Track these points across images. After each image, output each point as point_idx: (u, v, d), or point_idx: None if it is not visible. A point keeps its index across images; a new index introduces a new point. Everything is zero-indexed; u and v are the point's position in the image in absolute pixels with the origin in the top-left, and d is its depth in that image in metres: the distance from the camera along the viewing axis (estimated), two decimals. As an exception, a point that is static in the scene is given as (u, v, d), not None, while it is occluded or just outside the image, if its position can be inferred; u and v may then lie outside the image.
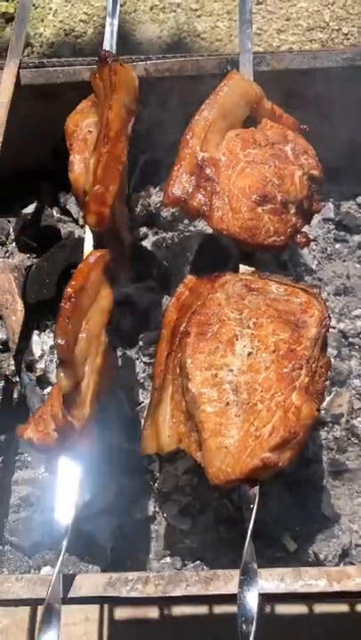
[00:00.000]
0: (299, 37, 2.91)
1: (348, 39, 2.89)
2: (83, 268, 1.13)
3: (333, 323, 1.56)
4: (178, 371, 1.18)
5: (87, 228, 1.26)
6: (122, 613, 1.70)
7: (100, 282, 1.14)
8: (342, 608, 1.65)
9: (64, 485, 1.07)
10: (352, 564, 1.31)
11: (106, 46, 1.42)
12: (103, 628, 1.74)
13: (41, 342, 1.54)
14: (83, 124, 1.32)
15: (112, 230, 1.28)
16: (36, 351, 1.53)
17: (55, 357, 1.49)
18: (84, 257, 1.20)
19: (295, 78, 1.57)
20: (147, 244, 1.65)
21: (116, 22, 1.45)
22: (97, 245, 1.24)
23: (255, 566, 1.00)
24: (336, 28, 2.91)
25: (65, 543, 1.02)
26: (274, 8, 2.94)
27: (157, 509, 1.38)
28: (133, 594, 1.00)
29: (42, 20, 2.97)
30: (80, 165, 1.27)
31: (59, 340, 1.03)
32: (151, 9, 2.97)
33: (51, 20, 2.97)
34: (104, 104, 1.25)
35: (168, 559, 1.34)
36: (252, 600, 0.96)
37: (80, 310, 1.09)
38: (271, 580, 1.01)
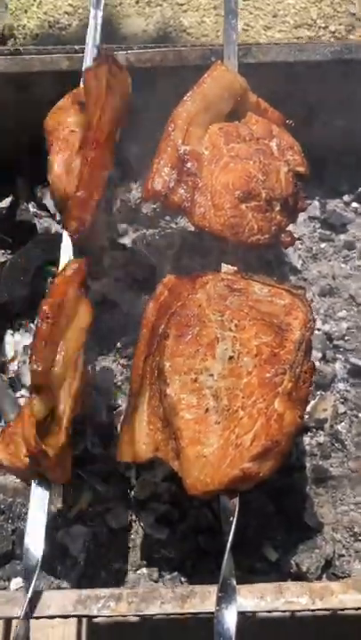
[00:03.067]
0: (286, 34, 2.87)
1: (336, 37, 2.85)
2: (59, 283, 1.07)
3: (318, 324, 1.52)
4: (156, 374, 1.12)
5: (65, 234, 1.20)
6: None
7: (78, 297, 1.08)
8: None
9: (35, 514, 1.01)
10: (335, 575, 1.27)
11: (89, 39, 1.36)
12: (82, 630, 1.71)
13: (14, 342, 1.48)
14: (64, 122, 1.26)
15: (92, 237, 1.22)
16: (9, 352, 1.47)
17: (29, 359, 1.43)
18: (61, 268, 1.14)
19: (281, 71, 1.51)
20: (126, 240, 1.59)
21: (100, 14, 1.39)
22: (75, 252, 1.18)
23: (234, 583, 0.95)
24: (323, 25, 2.88)
25: (35, 578, 0.97)
26: (261, 4, 2.89)
27: (134, 518, 1.32)
28: (105, 612, 0.95)
29: (25, 12, 2.90)
30: (60, 166, 1.21)
31: (34, 366, 0.97)
32: (137, 2, 2.92)
33: (35, 11, 2.90)
34: (95, 106, 1.19)
35: (145, 570, 1.29)
36: (230, 619, 0.91)
37: (58, 330, 1.03)
38: (251, 598, 0.96)
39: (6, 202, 1.62)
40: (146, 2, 2.95)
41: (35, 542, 1.00)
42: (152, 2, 2.94)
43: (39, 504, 1.03)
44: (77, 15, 2.88)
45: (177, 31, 2.90)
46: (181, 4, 2.94)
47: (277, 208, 1.23)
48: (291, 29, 2.90)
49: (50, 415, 1.00)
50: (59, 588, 1.21)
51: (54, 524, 1.29)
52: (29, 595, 0.95)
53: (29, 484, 1.05)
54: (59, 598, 0.97)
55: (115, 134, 1.24)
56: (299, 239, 1.63)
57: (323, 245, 1.63)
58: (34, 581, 0.97)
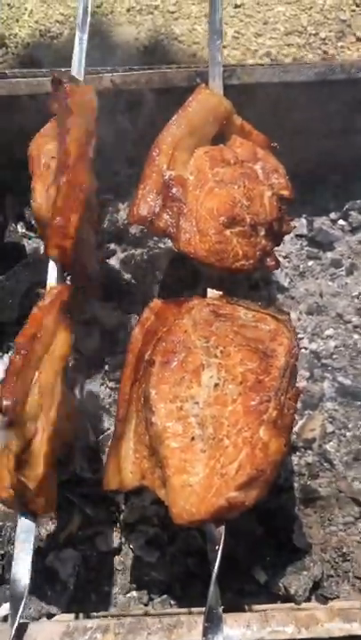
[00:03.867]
0: (276, 41, 2.87)
1: (326, 44, 2.85)
2: (36, 312, 1.07)
3: (305, 343, 1.53)
4: (142, 401, 1.13)
5: (50, 260, 1.20)
6: None
7: (55, 325, 1.08)
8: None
9: (22, 545, 1.02)
10: (323, 596, 1.27)
11: (75, 62, 1.36)
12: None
13: (2, 364, 1.48)
14: (45, 148, 1.25)
15: (77, 260, 1.22)
16: (-2, 375, 1.47)
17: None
18: (45, 293, 1.15)
19: (266, 92, 1.51)
20: (114, 261, 1.59)
21: (85, 37, 1.38)
22: (61, 276, 1.18)
23: (220, 612, 0.96)
24: (313, 32, 2.88)
25: (21, 609, 0.97)
26: (252, 12, 2.89)
27: (123, 541, 1.33)
28: (92, 644, 0.95)
29: (17, 21, 2.89)
30: (42, 194, 1.21)
31: (5, 402, 0.97)
32: (128, 11, 2.91)
33: (26, 20, 2.89)
34: (62, 128, 1.20)
35: (134, 593, 1.30)
36: (216, 649, 0.91)
37: (32, 361, 1.03)
38: (237, 627, 0.97)
39: (-6, 223, 1.63)
40: (137, 10, 2.94)
41: (21, 572, 1.00)
42: (143, 10, 2.94)
43: (25, 534, 1.03)
44: (69, 24, 2.87)
45: (168, 39, 2.89)
46: (172, 12, 2.93)
47: (262, 233, 1.23)
48: (281, 36, 2.89)
49: (28, 450, 1.00)
50: (48, 614, 1.21)
51: (45, 548, 1.30)
52: (15, 626, 0.96)
53: (17, 513, 1.05)
54: (46, 630, 0.98)
55: (86, 151, 1.23)
56: (286, 257, 1.64)
57: (310, 263, 1.64)
58: (20, 612, 0.97)
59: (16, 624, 0.95)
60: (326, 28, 2.88)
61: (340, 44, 2.90)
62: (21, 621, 0.97)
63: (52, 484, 1.04)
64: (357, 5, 2.90)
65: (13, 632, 0.95)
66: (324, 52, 2.83)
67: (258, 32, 2.86)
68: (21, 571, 1.00)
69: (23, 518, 1.03)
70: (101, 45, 2.66)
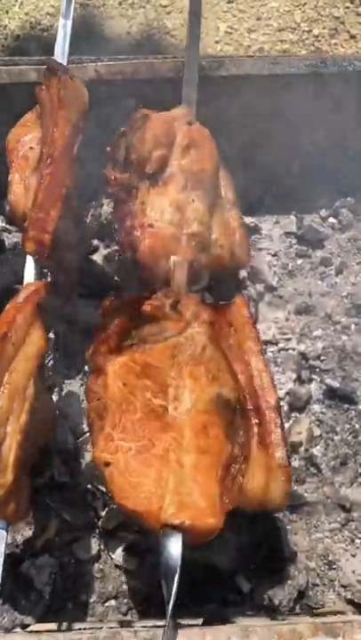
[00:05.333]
0: (269, 37, 2.83)
1: (319, 41, 2.82)
2: (9, 309, 1.03)
3: (293, 344, 1.48)
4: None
5: (28, 255, 1.15)
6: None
7: (29, 323, 1.03)
8: None
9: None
10: (308, 606, 1.23)
11: (57, 50, 1.31)
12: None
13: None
14: (25, 139, 1.21)
15: (55, 256, 1.17)
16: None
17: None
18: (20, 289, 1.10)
19: (255, 84, 1.47)
20: (97, 257, 1.54)
21: (69, 23, 1.34)
22: (39, 272, 1.14)
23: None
24: (307, 29, 2.84)
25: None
26: (245, 7, 2.85)
27: (102, 547, 1.28)
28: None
29: (7, 12, 2.84)
30: (19, 186, 1.17)
31: None
32: (120, 4, 2.87)
33: (16, 12, 2.84)
34: (49, 120, 1.15)
35: (113, 602, 1.25)
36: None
37: (2, 361, 0.98)
38: (216, 643, 0.92)
39: (-27, 216, 1.58)
40: (129, 3, 2.90)
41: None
42: (135, 3, 2.89)
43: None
44: (59, 16, 2.83)
45: (160, 33, 2.85)
46: (165, 6, 2.89)
47: None
48: (275, 32, 2.86)
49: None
50: (22, 624, 1.17)
51: (20, 555, 1.25)
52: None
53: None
54: (16, 644, 0.93)
55: (72, 146, 1.19)
56: (275, 255, 1.60)
57: (299, 262, 1.60)
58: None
59: (-17, 637, 0.91)
60: (320, 25, 2.85)
61: (333, 41, 2.87)
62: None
63: (23, 490, 0.99)
64: (351, 2, 2.87)
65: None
66: (317, 49, 2.80)
67: (251, 27, 2.82)
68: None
69: (-10, 527, 0.99)
70: (92, 38, 2.61)
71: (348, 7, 2.89)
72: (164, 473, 1.04)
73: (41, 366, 1.05)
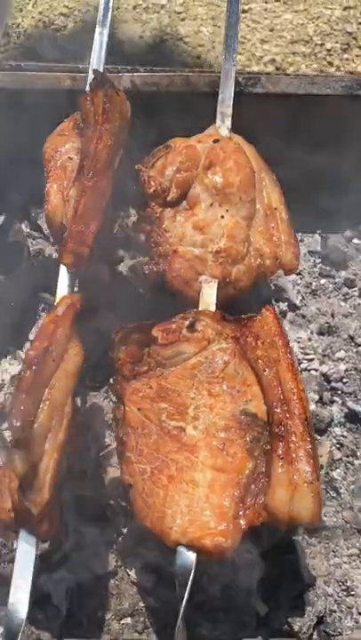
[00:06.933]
0: (282, 49, 2.83)
1: (331, 55, 2.82)
2: (48, 324, 1.01)
3: (316, 365, 1.48)
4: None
5: (62, 266, 1.13)
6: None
7: (67, 338, 1.02)
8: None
9: (21, 572, 0.96)
10: (326, 632, 1.22)
11: (94, 58, 1.30)
12: None
13: (1, 371, 1.41)
14: (62, 148, 1.20)
15: (91, 269, 1.16)
16: (-4, 381, 1.40)
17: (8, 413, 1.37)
18: (56, 303, 1.08)
19: (290, 102, 1.47)
20: (122, 268, 1.53)
21: (106, 32, 1.33)
22: (72, 283, 1.12)
23: None
24: (319, 42, 2.84)
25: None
26: (259, 17, 2.85)
27: (120, 564, 1.27)
28: None
29: (20, 10, 2.82)
30: (57, 196, 1.15)
31: (13, 421, 0.91)
32: (134, 8, 2.85)
33: (30, 10, 2.82)
34: (93, 132, 1.14)
35: (129, 620, 1.24)
36: None
37: (43, 377, 0.97)
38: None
39: (-1, 220, 1.56)
40: (143, 8, 2.89)
41: (20, 601, 0.94)
42: (149, 8, 2.88)
43: (25, 560, 0.97)
44: (73, 17, 2.81)
45: (173, 39, 2.84)
46: (179, 13, 2.88)
47: None
48: (287, 44, 2.86)
49: (33, 473, 0.93)
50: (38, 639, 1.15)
51: (37, 569, 1.23)
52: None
53: (16, 537, 0.99)
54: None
55: (114, 161, 1.18)
56: (298, 274, 1.59)
57: (323, 281, 1.59)
58: (17, 644, 0.91)
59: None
60: (332, 39, 2.85)
61: (345, 55, 2.87)
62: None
63: (55, 508, 0.98)
64: (364, 18, 2.87)
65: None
66: (329, 64, 2.80)
67: (264, 38, 2.82)
68: (20, 600, 0.94)
69: (23, 543, 0.97)
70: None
71: (361, 23, 2.89)
72: (176, 493, 1.03)
73: (75, 384, 1.04)
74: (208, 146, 1.29)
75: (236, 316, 1.18)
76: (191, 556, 0.99)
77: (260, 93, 1.45)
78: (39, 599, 1.21)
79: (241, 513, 1.02)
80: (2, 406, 1.36)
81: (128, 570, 1.26)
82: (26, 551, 0.97)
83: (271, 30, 2.83)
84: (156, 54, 2.72)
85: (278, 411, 1.06)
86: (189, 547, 0.99)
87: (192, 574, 0.99)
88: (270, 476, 1.02)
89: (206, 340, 1.15)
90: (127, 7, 2.83)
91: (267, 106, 1.46)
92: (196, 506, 1.02)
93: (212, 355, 1.14)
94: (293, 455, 1.02)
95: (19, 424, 0.90)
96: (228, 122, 1.34)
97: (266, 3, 2.82)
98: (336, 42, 2.85)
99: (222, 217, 1.26)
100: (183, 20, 2.82)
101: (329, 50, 2.84)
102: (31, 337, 1.46)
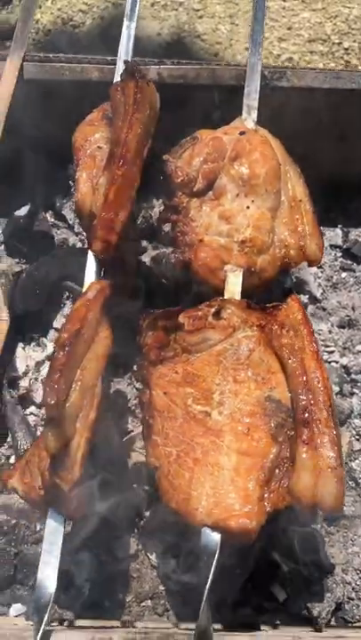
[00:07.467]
0: (299, 48, 2.84)
1: (349, 54, 2.83)
2: (80, 307, 1.03)
3: (336, 357, 1.49)
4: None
5: (90, 253, 1.15)
6: None
7: (98, 321, 1.04)
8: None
9: (50, 548, 0.98)
10: (344, 619, 1.24)
11: (122, 51, 1.32)
12: None
13: (26, 357, 1.44)
14: (92, 138, 1.22)
15: (118, 257, 1.18)
16: (20, 367, 1.42)
17: (41, 375, 1.39)
18: (85, 289, 1.10)
19: (315, 96, 1.48)
20: (145, 258, 1.55)
21: (133, 25, 1.35)
22: (99, 271, 1.14)
23: (211, 631, 0.93)
24: (337, 41, 2.85)
25: (47, 616, 0.93)
26: (277, 16, 2.86)
27: (141, 547, 1.29)
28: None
29: (39, 7, 2.84)
30: (87, 184, 1.17)
31: (48, 399, 0.93)
32: (152, 5, 2.87)
33: (49, 6, 2.85)
34: (123, 121, 1.16)
35: (149, 602, 1.26)
36: None
37: (75, 358, 0.99)
38: (270, 650, 0.93)
39: (24, 210, 1.57)
40: (162, 5, 2.90)
41: (48, 577, 0.97)
42: (168, 6, 2.90)
43: (53, 537, 0.99)
44: (91, 14, 2.83)
45: (191, 37, 2.86)
46: (197, 10, 2.89)
47: None
48: (305, 43, 2.87)
49: (65, 451, 0.95)
50: (61, 619, 1.17)
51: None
52: (39, 636, 0.91)
53: (45, 515, 1.01)
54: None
55: (143, 151, 1.20)
56: (320, 267, 1.60)
57: (343, 275, 1.60)
58: (45, 620, 0.93)
59: (40, 632, 0.91)
60: (350, 38, 2.85)
61: (362, 54, 2.88)
62: (46, 629, 0.93)
63: (84, 487, 1.00)
64: (383, 18, 2.88)
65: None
66: (347, 62, 2.80)
67: (281, 37, 2.83)
68: (48, 576, 0.96)
69: (52, 521, 0.99)
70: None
71: (379, 22, 2.89)
72: (201, 476, 1.05)
73: (105, 366, 1.06)
74: (234, 138, 1.30)
75: (262, 305, 1.20)
76: (216, 537, 1.01)
77: (286, 87, 1.46)
78: (62, 580, 1.23)
79: (266, 496, 1.04)
80: (27, 391, 1.38)
81: (149, 554, 1.28)
82: (54, 528, 0.99)
83: (289, 29, 2.84)
84: (173, 52, 2.73)
85: (303, 398, 1.08)
86: (214, 528, 1.01)
87: (216, 555, 1.00)
88: (295, 461, 1.04)
89: (232, 327, 1.16)
90: (145, 4, 2.84)
91: (292, 99, 1.47)
92: (222, 488, 1.03)
93: (238, 342, 1.16)
94: (318, 441, 1.04)
95: (53, 402, 0.92)
96: (255, 114, 1.35)
97: (284, 1, 2.83)
98: (354, 41, 2.85)
99: (248, 207, 1.27)
100: (201, 17, 2.83)
101: (347, 49, 2.85)
102: (55, 325, 1.49)
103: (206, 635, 0.95)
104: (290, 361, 1.12)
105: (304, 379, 1.09)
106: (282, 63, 2.76)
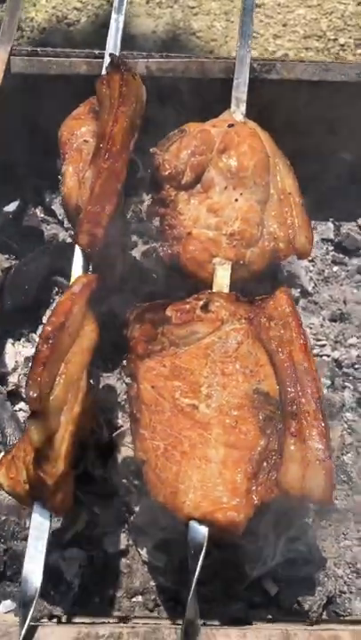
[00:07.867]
0: (295, 44, 2.84)
1: (344, 50, 2.82)
2: (65, 300, 1.02)
3: (328, 351, 1.48)
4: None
5: (77, 247, 1.15)
6: None
7: (83, 315, 1.03)
8: None
9: (35, 543, 0.97)
10: (336, 613, 1.23)
11: (110, 43, 1.31)
12: None
13: (15, 352, 1.43)
14: (78, 131, 1.21)
15: (103, 250, 1.17)
16: (9, 362, 1.41)
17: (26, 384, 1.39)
18: (70, 283, 1.09)
19: (305, 89, 1.47)
20: (135, 253, 1.54)
21: (121, 19, 1.34)
22: (86, 265, 1.14)
23: (198, 625, 0.92)
24: (333, 37, 2.85)
25: (32, 611, 0.93)
26: (272, 12, 2.86)
27: (131, 543, 1.28)
28: (104, 652, 0.91)
29: (34, 5, 2.84)
30: (73, 178, 1.17)
31: (30, 392, 0.92)
32: (147, 2, 2.87)
33: (43, 4, 2.84)
34: (108, 115, 1.15)
35: (140, 598, 1.25)
36: None
37: (59, 351, 0.98)
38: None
39: (13, 205, 1.57)
40: (157, 2, 2.90)
41: (33, 572, 0.96)
42: (163, 3, 2.89)
43: (39, 532, 0.98)
44: (86, 12, 2.83)
45: (186, 34, 2.85)
46: (192, 7, 2.89)
47: None
48: (300, 39, 2.86)
49: (49, 444, 0.95)
50: (50, 615, 1.16)
51: (50, 546, 1.24)
52: (24, 630, 0.91)
53: (31, 509, 1.00)
54: (55, 634, 0.93)
55: (129, 144, 1.19)
56: (311, 261, 1.60)
57: (335, 269, 1.60)
58: (30, 614, 0.92)
59: (25, 627, 0.90)
60: (346, 35, 2.85)
61: (358, 51, 2.87)
62: (31, 624, 0.92)
63: (69, 481, 0.99)
64: (379, 13, 2.87)
65: (23, 634, 0.90)
66: (342, 59, 2.80)
67: (277, 33, 2.82)
68: (33, 570, 0.95)
69: (37, 515, 0.99)
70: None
71: (375, 18, 2.89)
72: (189, 469, 1.04)
73: (90, 360, 1.05)
74: (223, 130, 1.30)
75: (250, 297, 1.19)
76: (203, 530, 1.00)
77: (275, 79, 1.45)
78: (52, 576, 1.22)
79: (253, 488, 1.03)
80: (16, 387, 1.38)
81: (139, 549, 1.27)
82: (40, 523, 0.98)
83: (284, 25, 2.84)
84: (168, 49, 2.73)
85: (291, 390, 1.07)
86: (202, 521, 1.00)
87: (204, 548, 0.99)
88: (283, 454, 1.03)
89: (220, 320, 1.16)
90: (140, 1, 2.84)
91: (281, 92, 1.46)
92: (209, 481, 1.03)
93: (226, 335, 1.15)
94: (306, 433, 1.03)
95: (35, 395, 0.91)
96: (243, 107, 1.35)
97: (280, -2, 2.83)
98: (350, 37, 2.85)
99: (236, 200, 1.27)
100: (196, 14, 2.83)
101: (342, 45, 2.85)
102: (44, 320, 1.48)
103: (194, 627, 0.94)
104: (278, 353, 1.11)
105: (293, 371, 1.09)
106: (278, 59, 2.73)
